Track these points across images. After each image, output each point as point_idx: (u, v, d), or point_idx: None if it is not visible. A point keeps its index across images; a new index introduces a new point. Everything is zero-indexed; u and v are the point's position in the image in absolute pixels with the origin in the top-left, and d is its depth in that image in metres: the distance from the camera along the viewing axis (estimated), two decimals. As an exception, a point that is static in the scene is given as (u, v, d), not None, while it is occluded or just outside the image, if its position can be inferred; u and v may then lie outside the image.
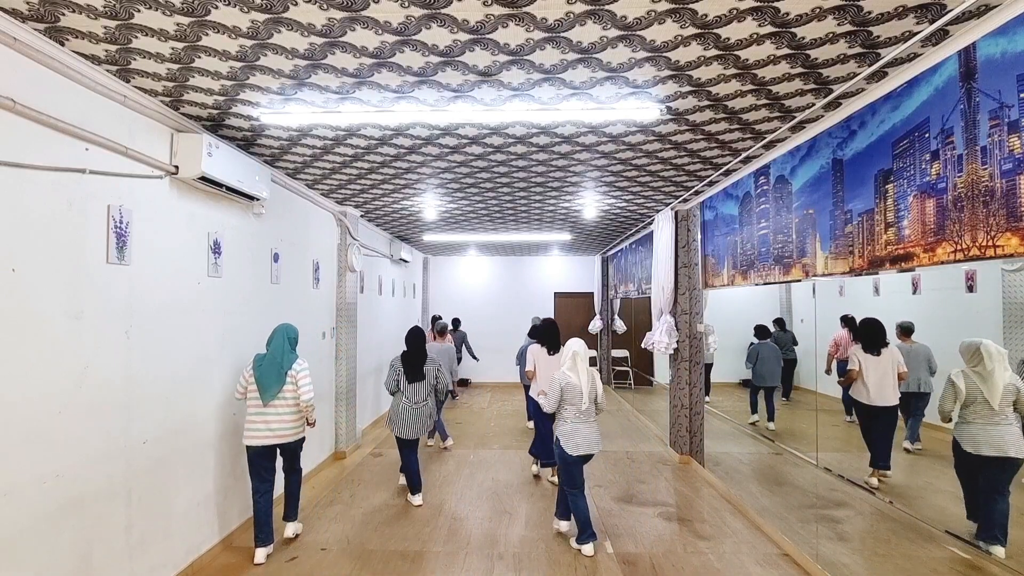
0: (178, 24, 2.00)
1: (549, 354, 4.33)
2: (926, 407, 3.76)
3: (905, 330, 3.89)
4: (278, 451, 3.33)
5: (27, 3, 1.86)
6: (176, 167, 2.89)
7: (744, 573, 3.10)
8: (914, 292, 3.84)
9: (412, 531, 3.66)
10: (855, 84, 2.49)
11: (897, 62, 2.27)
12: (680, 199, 5.12)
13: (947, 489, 3.55)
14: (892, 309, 3.95)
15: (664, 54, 2.22)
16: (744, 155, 3.67)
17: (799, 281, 3.25)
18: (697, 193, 4.85)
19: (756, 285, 3.85)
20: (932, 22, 1.97)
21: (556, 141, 3.39)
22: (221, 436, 3.37)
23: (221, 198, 3.37)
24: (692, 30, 2.04)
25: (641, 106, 2.76)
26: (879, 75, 2.40)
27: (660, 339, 5.23)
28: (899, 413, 3.77)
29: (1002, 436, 2.80)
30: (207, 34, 2.07)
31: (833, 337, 4.52)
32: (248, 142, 3.42)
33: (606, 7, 1.88)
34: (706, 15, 1.94)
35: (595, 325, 9.80)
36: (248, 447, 3.20)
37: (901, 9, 1.89)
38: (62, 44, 2.15)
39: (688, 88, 2.57)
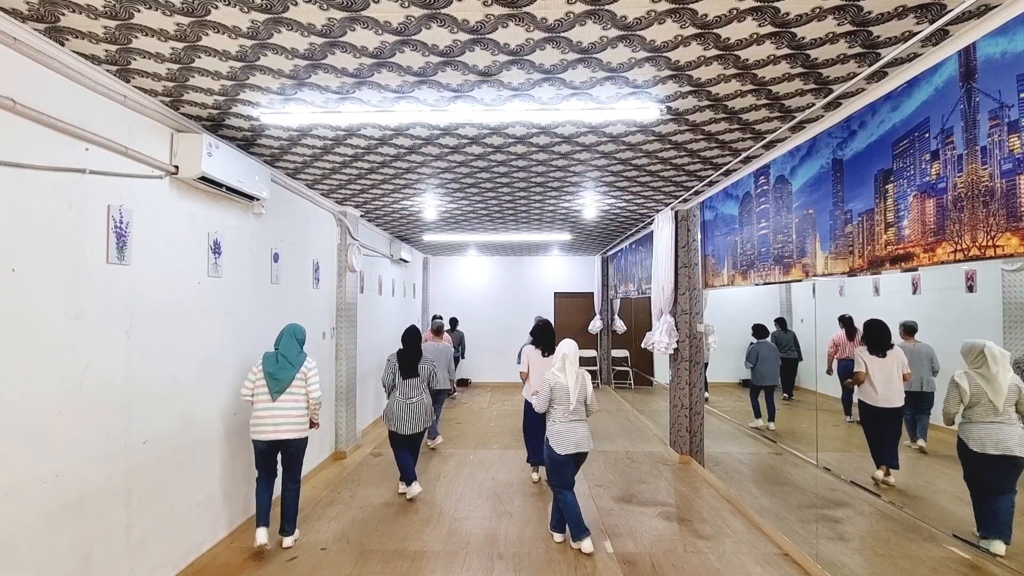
0: (178, 24, 2.00)
1: (543, 355, 4.36)
2: (931, 407, 3.76)
3: (909, 329, 3.89)
4: (279, 451, 3.34)
5: (27, 3, 1.86)
6: (176, 167, 2.89)
7: (744, 573, 3.10)
8: (914, 292, 3.84)
9: (412, 531, 3.66)
10: (855, 84, 2.48)
11: (897, 62, 2.27)
12: (680, 199, 5.12)
13: (947, 489, 3.56)
14: (892, 309, 3.94)
15: (664, 54, 2.22)
16: (744, 155, 3.67)
17: (799, 281, 3.25)
18: (697, 193, 4.85)
19: (756, 285, 3.85)
20: (932, 22, 1.97)
21: (556, 141, 3.39)
22: (221, 436, 3.37)
23: (221, 198, 3.37)
24: (692, 30, 2.04)
25: (641, 106, 2.76)
26: (879, 75, 2.40)
27: (660, 339, 5.23)
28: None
29: (1007, 436, 2.82)
30: (207, 34, 2.07)
31: (832, 337, 4.52)
32: (248, 142, 3.42)
33: (606, 7, 1.88)
34: (706, 15, 1.94)
35: (595, 325, 9.80)
36: (256, 441, 3.26)
37: (901, 9, 1.89)
38: (62, 44, 2.15)
39: (688, 88, 2.57)
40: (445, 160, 3.83)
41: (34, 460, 2.07)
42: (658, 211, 5.66)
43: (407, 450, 4.23)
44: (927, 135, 2.19)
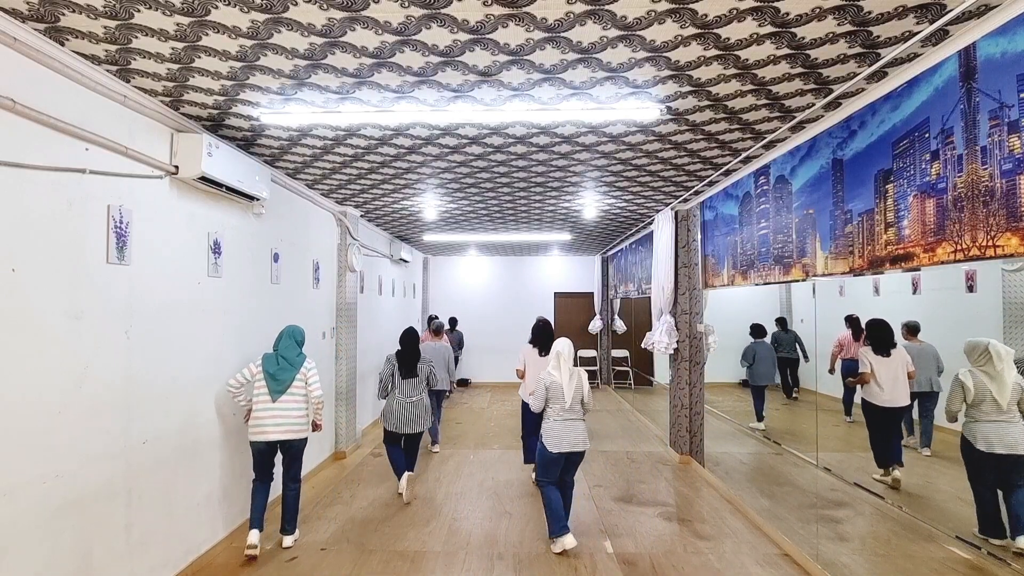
0: (178, 24, 2.00)
1: (540, 355, 4.36)
2: (935, 407, 3.76)
3: (911, 329, 3.89)
4: (280, 451, 3.34)
5: (27, 3, 1.86)
6: (176, 167, 2.89)
7: (744, 573, 3.10)
8: (914, 292, 3.84)
9: (412, 531, 3.66)
10: (855, 84, 2.48)
11: (897, 62, 2.27)
12: (680, 199, 5.12)
13: (948, 489, 3.55)
14: (892, 309, 3.94)
15: (664, 54, 2.22)
16: (744, 155, 3.67)
17: (799, 281, 3.25)
18: (697, 193, 4.85)
19: (756, 285, 3.85)
20: (932, 22, 1.97)
21: (556, 141, 3.39)
22: (221, 436, 3.37)
23: (221, 198, 3.37)
24: (692, 30, 2.04)
25: (641, 106, 2.76)
26: (879, 75, 2.40)
27: (660, 339, 5.23)
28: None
29: (1013, 434, 2.82)
30: (207, 34, 2.07)
31: (837, 337, 4.52)
32: (248, 142, 3.42)
33: (606, 7, 1.88)
34: (706, 15, 1.94)
35: (595, 325, 9.80)
36: (255, 443, 3.25)
37: (901, 9, 1.89)
38: (62, 44, 2.15)
39: (688, 88, 2.57)
40: (445, 160, 3.83)
41: (34, 460, 2.07)
42: (658, 211, 5.66)
43: (399, 447, 4.24)
44: (927, 135, 2.19)
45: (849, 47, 2.17)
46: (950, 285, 3.42)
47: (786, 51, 2.20)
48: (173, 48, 2.18)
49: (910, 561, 3.12)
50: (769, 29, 2.03)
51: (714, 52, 2.21)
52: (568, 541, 3.28)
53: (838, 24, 1.99)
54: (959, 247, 2.04)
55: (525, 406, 4.59)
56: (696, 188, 4.65)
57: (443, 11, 1.91)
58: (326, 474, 4.91)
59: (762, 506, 3.99)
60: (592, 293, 10.20)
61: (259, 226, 3.89)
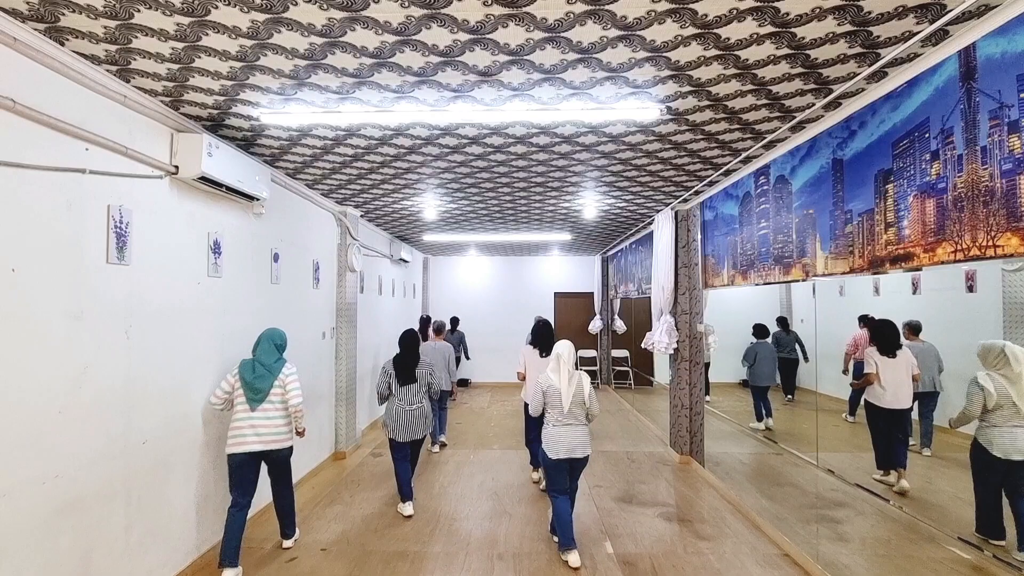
0: (178, 24, 2.00)
1: (540, 356, 4.28)
2: (935, 409, 3.75)
3: (913, 329, 3.87)
4: (263, 463, 3.18)
5: (27, 3, 1.86)
6: (176, 167, 2.89)
7: (744, 573, 3.09)
8: (914, 292, 3.84)
9: (412, 531, 3.66)
10: (855, 84, 2.48)
11: (897, 62, 2.27)
12: (680, 199, 5.12)
13: (947, 489, 3.56)
14: (892, 309, 3.94)
15: (664, 54, 2.22)
16: (744, 155, 3.67)
17: (799, 281, 3.24)
18: (697, 193, 4.85)
19: (756, 285, 3.85)
20: (932, 22, 1.97)
21: (556, 141, 3.39)
22: (221, 437, 3.36)
23: (221, 198, 3.36)
24: (692, 30, 2.04)
25: (641, 106, 2.76)
26: (879, 75, 2.40)
27: (660, 339, 5.23)
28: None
29: None
30: (207, 34, 2.07)
31: (853, 337, 4.48)
32: (248, 142, 3.42)
33: (606, 7, 1.88)
34: (706, 15, 1.94)
35: (595, 325, 9.80)
36: (231, 455, 3.03)
37: (901, 9, 1.89)
38: (62, 44, 2.15)
39: (688, 88, 2.57)
40: (445, 160, 3.83)
41: (34, 461, 2.07)
42: (658, 211, 5.66)
43: (407, 461, 4.03)
44: (927, 135, 2.19)
45: (849, 47, 2.17)
46: (950, 285, 3.42)
47: (786, 51, 2.20)
48: (173, 48, 2.18)
49: (910, 561, 3.12)
50: (769, 29, 2.03)
51: (714, 52, 2.21)
52: (572, 559, 3.14)
53: (838, 24, 1.99)
54: (959, 247, 2.04)
55: (527, 408, 4.56)
56: (696, 188, 4.65)
57: (443, 11, 1.91)
58: (326, 474, 4.91)
59: (762, 506, 3.99)
60: (592, 293, 10.21)
61: (259, 226, 3.89)
